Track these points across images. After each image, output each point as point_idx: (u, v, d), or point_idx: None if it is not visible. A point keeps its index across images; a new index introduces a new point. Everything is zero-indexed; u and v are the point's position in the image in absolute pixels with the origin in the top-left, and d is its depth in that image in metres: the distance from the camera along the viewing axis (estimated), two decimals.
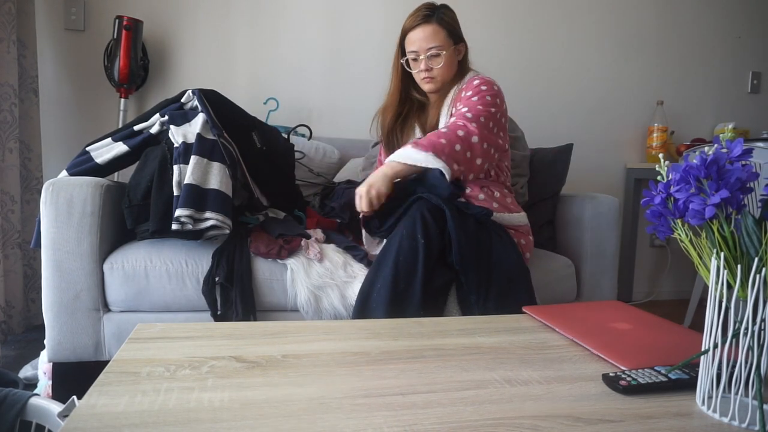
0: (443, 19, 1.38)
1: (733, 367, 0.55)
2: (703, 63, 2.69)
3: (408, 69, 1.45)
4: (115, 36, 1.92)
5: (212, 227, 1.24)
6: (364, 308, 1.14)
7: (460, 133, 1.27)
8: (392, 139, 1.51)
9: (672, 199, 0.60)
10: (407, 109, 1.52)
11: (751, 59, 2.74)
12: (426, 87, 1.45)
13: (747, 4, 2.71)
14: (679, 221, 0.61)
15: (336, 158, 1.90)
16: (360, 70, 2.28)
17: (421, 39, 1.37)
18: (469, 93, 1.38)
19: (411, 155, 1.23)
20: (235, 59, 2.16)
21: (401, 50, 1.45)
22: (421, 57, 1.39)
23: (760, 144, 1.87)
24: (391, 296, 1.10)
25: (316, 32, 2.23)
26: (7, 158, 1.76)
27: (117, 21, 1.91)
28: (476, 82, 1.39)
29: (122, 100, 1.97)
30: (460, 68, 1.47)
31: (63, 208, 1.21)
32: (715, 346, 0.56)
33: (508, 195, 1.43)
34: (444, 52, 1.38)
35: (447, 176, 1.23)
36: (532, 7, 2.44)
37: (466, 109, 1.33)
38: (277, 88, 2.17)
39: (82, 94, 2.04)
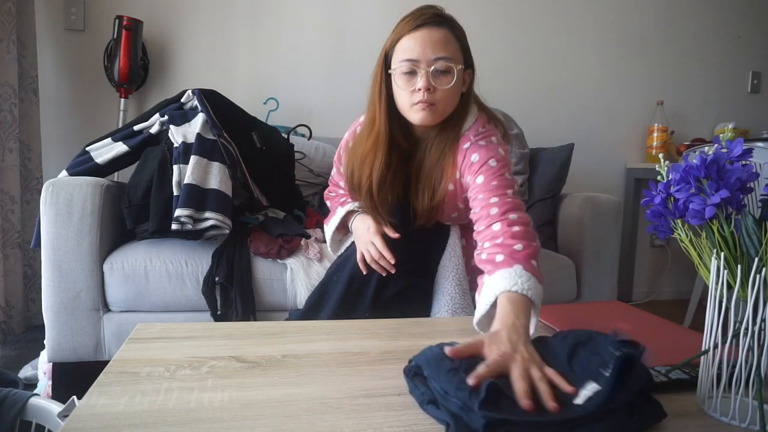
0: (457, 28, 1.00)
1: (733, 367, 0.55)
2: (703, 63, 2.68)
3: (396, 86, 0.99)
4: (115, 36, 1.92)
5: (212, 227, 1.24)
6: (310, 312, 1.12)
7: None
8: (374, 200, 1.04)
9: (672, 199, 0.60)
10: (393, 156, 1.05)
11: (751, 59, 2.74)
12: (417, 116, 0.98)
13: (747, 4, 2.71)
14: (679, 221, 0.61)
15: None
16: (360, 70, 2.27)
17: (426, 43, 0.94)
18: (478, 172, 0.97)
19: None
20: (235, 59, 2.16)
21: (385, 66, 1.01)
22: (422, 69, 0.94)
23: (760, 144, 1.86)
24: (341, 301, 1.08)
25: (316, 32, 2.23)
26: (7, 158, 1.76)
27: (117, 21, 1.91)
28: (475, 156, 0.98)
29: (122, 100, 1.97)
30: (461, 105, 1.03)
31: (63, 208, 1.21)
32: (715, 346, 0.56)
33: None
34: (456, 69, 0.96)
35: None
36: (532, 7, 2.44)
37: (500, 204, 0.92)
38: (277, 88, 2.17)
39: (82, 94, 2.04)
